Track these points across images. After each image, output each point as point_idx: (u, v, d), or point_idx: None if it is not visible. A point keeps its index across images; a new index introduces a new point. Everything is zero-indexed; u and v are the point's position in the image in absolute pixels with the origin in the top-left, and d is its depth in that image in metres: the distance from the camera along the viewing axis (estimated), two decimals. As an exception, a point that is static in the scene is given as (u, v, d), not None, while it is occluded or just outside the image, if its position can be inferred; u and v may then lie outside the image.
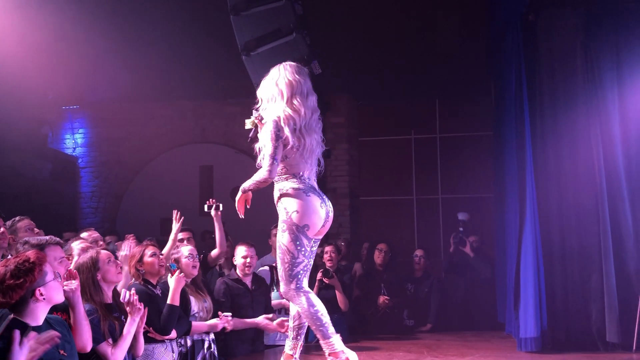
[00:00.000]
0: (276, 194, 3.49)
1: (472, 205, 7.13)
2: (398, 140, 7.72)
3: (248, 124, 3.48)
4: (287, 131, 3.37)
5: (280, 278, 3.37)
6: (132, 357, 3.50)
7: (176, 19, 7.05)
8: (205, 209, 5.14)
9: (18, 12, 6.10)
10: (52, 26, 6.47)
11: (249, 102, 8.05)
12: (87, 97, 8.55)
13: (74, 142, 8.73)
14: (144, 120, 8.49)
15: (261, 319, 4.72)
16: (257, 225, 7.27)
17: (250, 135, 3.49)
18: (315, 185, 3.58)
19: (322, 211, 3.44)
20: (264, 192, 8.18)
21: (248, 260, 4.93)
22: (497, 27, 5.83)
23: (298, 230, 3.33)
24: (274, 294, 5.42)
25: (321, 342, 3.35)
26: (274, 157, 3.34)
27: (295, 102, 3.42)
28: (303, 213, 3.34)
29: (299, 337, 3.55)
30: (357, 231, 7.97)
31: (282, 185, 3.44)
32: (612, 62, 5.03)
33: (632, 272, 4.86)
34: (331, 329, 3.32)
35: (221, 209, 5.12)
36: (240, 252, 4.98)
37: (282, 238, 3.36)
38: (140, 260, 4.06)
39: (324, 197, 3.56)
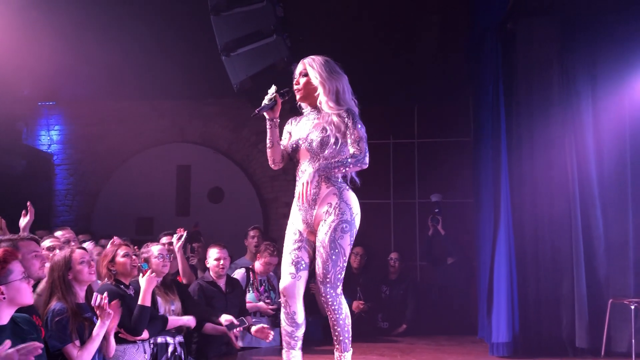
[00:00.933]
0: (331, 189, 3.12)
1: (450, 211, 7.20)
2: (377, 144, 7.74)
3: (269, 94, 3.11)
4: None
5: (325, 280, 3.04)
6: (103, 358, 3.46)
7: (156, 18, 6.98)
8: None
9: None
10: (29, 21, 6.36)
11: (228, 102, 8.11)
12: (64, 93, 8.42)
13: (49, 139, 8.59)
14: (121, 119, 8.40)
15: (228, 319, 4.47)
16: (231, 226, 7.28)
17: (261, 109, 3.11)
18: None
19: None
20: (239, 193, 8.18)
21: (221, 262, 4.93)
22: (476, 34, 5.89)
23: (355, 234, 3.14)
24: (249, 296, 5.41)
25: (337, 354, 3.14)
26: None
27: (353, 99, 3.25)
28: (360, 217, 3.17)
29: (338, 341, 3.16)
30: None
31: (341, 182, 3.16)
32: (587, 73, 5.13)
33: (602, 278, 4.96)
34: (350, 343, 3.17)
35: (183, 239, 5.01)
36: (213, 254, 4.96)
37: (341, 239, 3.05)
38: (113, 260, 4.03)
39: None
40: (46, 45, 6.83)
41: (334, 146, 3.09)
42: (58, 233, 4.58)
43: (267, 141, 3.20)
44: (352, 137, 3.07)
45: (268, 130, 3.17)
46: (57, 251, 3.83)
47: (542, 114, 5.14)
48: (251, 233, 6.04)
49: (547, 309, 5.04)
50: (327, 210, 3.09)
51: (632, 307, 4.64)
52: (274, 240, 6.06)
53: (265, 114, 3.14)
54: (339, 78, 3.17)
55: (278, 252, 5.35)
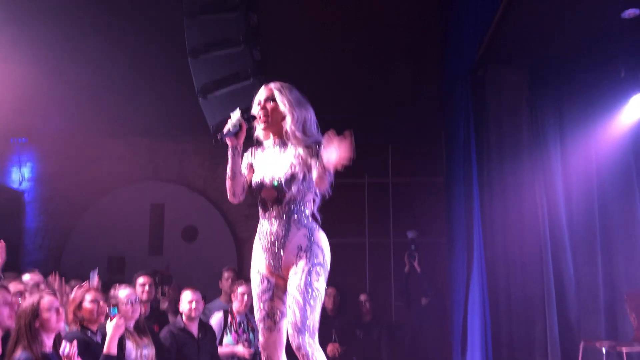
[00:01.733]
0: (302, 231, 2.85)
1: (424, 250, 7.24)
2: (351, 183, 7.81)
3: (233, 119, 2.79)
4: None
5: (303, 328, 2.73)
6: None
7: (133, 55, 7.01)
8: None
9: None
10: (1, 57, 6.34)
11: (204, 139, 8.09)
12: (38, 129, 8.33)
13: (20, 176, 8.45)
14: (96, 156, 8.32)
15: None
16: (204, 266, 7.20)
17: (225, 134, 2.77)
18: None
19: None
20: (213, 231, 8.11)
21: (194, 304, 4.86)
22: (448, 79, 6.05)
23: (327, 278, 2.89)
24: (227, 339, 5.31)
25: None
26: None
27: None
28: (329, 260, 2.89)
29: None
30: (309, 273, 7.92)
31: (311, 221, 2.89)
32: (555, 119, 5.30)
33: (574, 321, 5.02)
34: None
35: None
36: (186, 297, 4.90)
37: (317, 282, 2.79)
38: (80, 305, 3.94)
39: None
40: (19, 80, 6.80)
41: (302, 182, 2.83)
42: (26, 277, 4.47)
43: (228, 171, 2.86)
44: (319, 168, 2.75)
45: (230, 159, 2.83)
46: (28, 295, 3.74)
47: (513, 158, 5.27)
48: (225, 274, 5.99)
49: (520, 351, 5.08)
50: (297, 255, 2.81)
51: (604, 350, 4.69)
52: (249, 280, 6.01)
53: (227, 140, 2.80)
54: (307, 107, 2.94)
55: (246, 280, 5.33)
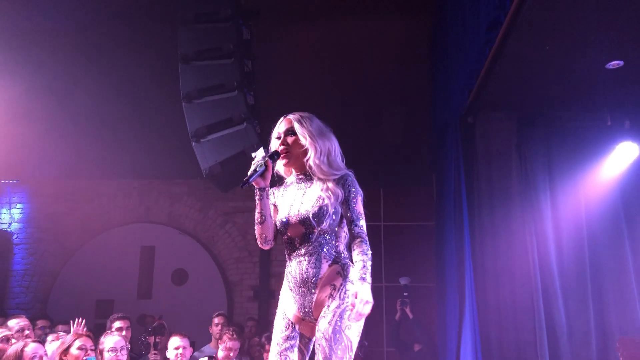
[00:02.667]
0: (334, 267, 2.59)
1: (415, 294, 7.20)
2: (343, 226, 7.81)
3: (258, 158, 2.62)
4: None
5: None
6: None
7: (125, 100, 7.09)
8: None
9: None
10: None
11: (195, 182, 8.12)
12: (28, 171, 8.33)
13: (10, 217, 8.40)
14: (87, 197, 8.31)
15: None
16: (194, 310, 7.11)
17: (251, 177, 2.58)
18: None
19: None
20: (203, 274, 8.04)
21: (180, 350, 4.78)
22: (438, 125, 6.14)
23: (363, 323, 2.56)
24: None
25: None
26: None
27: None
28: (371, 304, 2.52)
29: None
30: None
31: (345, 257, 2.64)
32: (544, 165, 5.37)
33: (567, 368, 4.97)
34: None
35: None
36: (173, 344, 4.83)
37: (349, 330, 2.47)
38: (67, 350, 3.88)
39: None
40: (10, 123, 6.83)
41: (333, 217, 2.58)
42: (12, 322, 4.40)
43: (257, 215, 2.62)
44: (354, 212, 2.58)
45: (258, 202, 2.61)
46: (13, 341, 3.68)
47: (503, 203, 5.31)
48: (215, 320, 5.90)
49: (514, 400, 5.00)
50: (330, 294, 2.52)
51: (597, 398, 4.64)
52: (239, 325, 5.92)
53: (254, 182, 2.59)
54: (330, 137, 2.71)
55: (239, 335, 5.25)
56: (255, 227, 2.66)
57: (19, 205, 8.44)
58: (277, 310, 2.70)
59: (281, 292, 2.71)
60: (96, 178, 8.26)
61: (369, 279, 2.48)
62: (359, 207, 2.62)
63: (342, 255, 2.63)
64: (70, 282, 7.87)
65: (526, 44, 4.24)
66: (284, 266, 2.77)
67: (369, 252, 2.55)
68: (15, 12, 6.05)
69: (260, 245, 2.71)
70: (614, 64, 4.53)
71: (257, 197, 2.62)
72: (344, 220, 2.63)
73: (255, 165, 2.61)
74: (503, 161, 5.39)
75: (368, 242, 2.57)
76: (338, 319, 2.47)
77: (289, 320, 2.64)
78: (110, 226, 8.21)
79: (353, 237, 2.59)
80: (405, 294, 7.07)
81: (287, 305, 2.65)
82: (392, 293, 7.48)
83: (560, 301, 5.06)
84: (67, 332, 5.35)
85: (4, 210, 8.38)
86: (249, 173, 2.59)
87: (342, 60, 6.72)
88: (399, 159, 7.34)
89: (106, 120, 7.34)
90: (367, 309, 2.42)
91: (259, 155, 2.64)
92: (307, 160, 2.65)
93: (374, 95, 7.04)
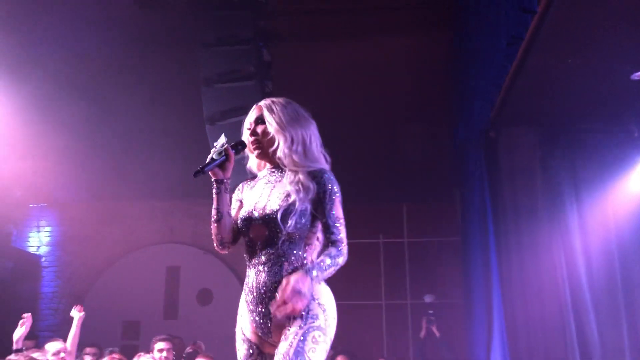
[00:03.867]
0: (307, 284, 2.10)
1: (441, 311, 7.11)
2: (366, 243, 7.78)
3: (218, 146, 2.25)
4: None
5: None
6: None
7: (149, 121, 7.19)
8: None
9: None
10: (24, 127, 6.53)
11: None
12: (56, 195, 8.48)
13: (38, 241, 8.54)
14: (112, 220, 8.42)
15: None
16: (220, 330, 7.11)
17: (207, 165, 2.22)
18: None
19: None
20: (228, 294, 8.06)
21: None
22: (460, 139, 6.10)
23: (330, 344, 2.18)
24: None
25: None
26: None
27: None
28: (336, 321, 2.22)
29: None
30: (325, 336, 7.79)
31: (319, 273, 2.17)
32: (569, 178, 5.30)
33: (601, 387, 4.85)
34: None
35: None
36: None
37: (313, 353, 2.08)
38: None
39: None
40: (39, 149, 6.98)
41: (301, 219, 2.17)
42: (49, 346, 4.47)
43: (213, 212, 2.26)
44: (330, 217, 2.19)
45: (214, 197, 2.25)
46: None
47: (529, 218, 5.24)
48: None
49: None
50: (291, 315, 2.13)
51: (633, 417, 4.52)
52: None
53: (210, 173, 2.23)
54: (306, 125, 2.33)
55: None
56: (212, 226, 2.28)
57: (47, 229, 8.58)
58: (235, 328, 2.29)
59: (239, 304, 2.29)
60: (121, 200, 8.37)
61: (316, 274, 2.10)
62: (338, 210, 2.21)
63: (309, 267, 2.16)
64: (98, 304, 7.94)
65: (548, 58, 4.22)
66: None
67: (338, 259, 2.17)
68: (39, 40, 6.20)
69: (216, 248, 2.33)
70: (639, 75, 4.48)
71: (214, 191, 2.25)
72: (318, 225, 2.22)
73: (213, 153, 2.25)
74: (527, 175, 5.34)
75: (344, 252, 2.19)
76: (301, 340, 2.07)
77: (250, 342, 2.24)
78: (135, 247, 8.30)
79: (327, 246, 2.21)
80: (430, 311, 6.98)
81: (244, 322, 2.25)
82: (417, 310, 7.41)
83: (591, 317, 4.96)
84: (94, 354, 5.42)
85: (33, 234, 8.53)
86: (206, 161, 2.23)
87: (361, 77, 6.73)
88: (420, 175, 7.30)
89: (129, 143, 7.45)
90: (297, 302, 2.03)
91: (220, 141, 2.28)
92: (276, 150, 2.27)
93: (393, 111, 7.02)
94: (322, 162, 2.33)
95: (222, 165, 2.24)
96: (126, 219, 8.41)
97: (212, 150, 2.26)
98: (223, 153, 2.24)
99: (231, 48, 5.55)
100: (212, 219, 2.27)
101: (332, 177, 2.27)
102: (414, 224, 8.00)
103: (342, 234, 2.21)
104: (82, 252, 8.34)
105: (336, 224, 2.20)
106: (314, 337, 2.09)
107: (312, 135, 2.34)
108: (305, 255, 2.21)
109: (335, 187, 2.25)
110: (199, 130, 5.94)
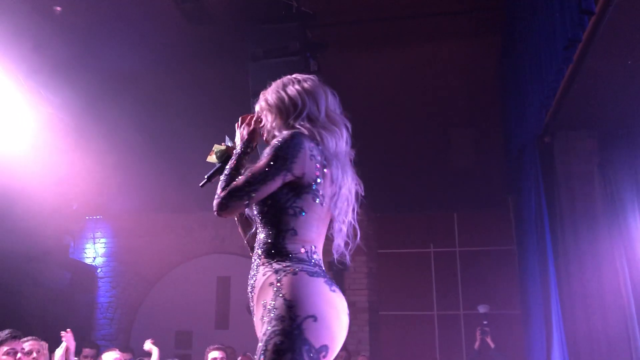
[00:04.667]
0: (268, 276, 1.87)
1: (495, 323, 6.94)
2: (417, 253, 7.68)
3: (217, 151, 2.13)
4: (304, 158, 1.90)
5: None
6: None
7: (201, 133, 7.30)
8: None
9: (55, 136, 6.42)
10: (82, 143, 6.75)
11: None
12: (111, 207, 8.72)
13: (94, 252, 8.79)
14: (165, 231, 8.59)
15: None
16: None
17: (211, 173, 2.12)
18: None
19: (345, 318, 1.85)
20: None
21: None
22: (513, 147, 5.95)
23: (308, 356, 1.70)
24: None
25: None
26: (253, 186, 1.86)
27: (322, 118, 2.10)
28: (322, 322, 1.75)
29: None
30: (376, 348, 7.73)
31: (292, 258, 1.87)
32: (631, 184, 5.08)
33: (670, 403, 4.60)
34: None
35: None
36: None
37: None
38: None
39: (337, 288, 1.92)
40: (94, 163, 7.20)
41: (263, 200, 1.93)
42: (106, 356, 4.57)
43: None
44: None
45: None
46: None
47: (588, 226, 5.05)
48: None
49: None
50: (262, 316, 1.82)
51: None
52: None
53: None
54: (298, 94, 2.05)
55: None
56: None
57: (102, 240, 8.83)
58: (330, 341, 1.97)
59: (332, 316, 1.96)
60: (173, 212, 8.54)
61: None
62: (258, 165, 1.88)
63: (289, 255, 1.85)
64: (151, 314, 8.11)
65: (607, 60, 4.07)
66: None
67: (221, 189, 1.92)
68: (93, 58, 6.41)
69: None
70: None
71: None
72: (291, 206, 1.88)
73: (213, 157, 2.13)
74: (585, 181, 5.15)
75: (231, 186, 1.89)
76: (261, 354, 1.73)
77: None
78: (187, 258, 8.44)
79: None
80: (485, 322, 6.83)
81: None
82: (471, 321, 7.25)
83: (658, 330, 4.72)
84: (92, 357, 5.51)
85: (89, 245, 8.78)
86: (212, 167, 2.11)
87: (409, 85, 6.67)
88: (471, 182, 7.17)
89: (180, 155, 7.59)
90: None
91: (219, 148, 2.13)
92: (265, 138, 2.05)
93: (442, 118, 6.93)
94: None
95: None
96: (178, 230, 8.56)
97: (212, 156, 2.15)
98: (224, 155, 2.11)
99: (279, 60, 5.59)
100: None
101: (288, 139, 1.92)
102: (465, 232, 7.86)
103: (241, 179, 1.90)
104: (136, 262, 8.53)
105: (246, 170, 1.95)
106: (274, 346, 1.70)
107: (313, 102, 2.15)
108: (281, 240, 1.92)
109: (275, 146, 1.90)
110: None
